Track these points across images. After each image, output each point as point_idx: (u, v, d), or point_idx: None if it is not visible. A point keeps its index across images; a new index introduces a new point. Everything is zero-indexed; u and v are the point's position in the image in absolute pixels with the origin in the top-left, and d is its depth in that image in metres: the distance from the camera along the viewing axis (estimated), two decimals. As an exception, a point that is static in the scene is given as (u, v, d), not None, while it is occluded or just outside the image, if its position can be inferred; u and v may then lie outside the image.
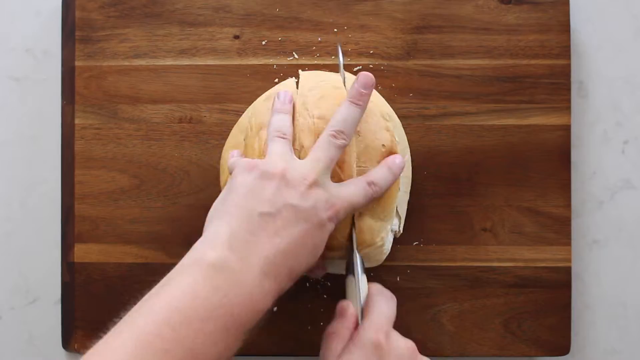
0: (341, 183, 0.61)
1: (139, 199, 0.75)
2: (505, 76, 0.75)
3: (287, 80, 0.71)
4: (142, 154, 0.76)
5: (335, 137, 0.60)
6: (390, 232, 0.66)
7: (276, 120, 0.62)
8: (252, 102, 0.75)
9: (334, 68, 0.75)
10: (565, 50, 0.75)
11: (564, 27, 0.75)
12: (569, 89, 0.75)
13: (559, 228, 0.74)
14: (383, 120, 0.66)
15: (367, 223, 0.64)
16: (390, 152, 0.65)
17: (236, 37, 0.76)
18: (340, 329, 0.59)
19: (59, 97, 0.77)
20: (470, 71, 0.74)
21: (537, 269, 0.74)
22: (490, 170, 0.75)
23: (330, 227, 0.58)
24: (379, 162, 0.64)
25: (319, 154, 0.59)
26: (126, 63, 0.76)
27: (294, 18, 0.76)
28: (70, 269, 0.75)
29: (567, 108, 0.75)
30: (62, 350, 0.76)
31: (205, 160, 0.75)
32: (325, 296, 0.74)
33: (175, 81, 0.75)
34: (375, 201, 0.64)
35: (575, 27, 0.77)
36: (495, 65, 0.75)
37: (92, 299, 0.74)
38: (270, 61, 0.75)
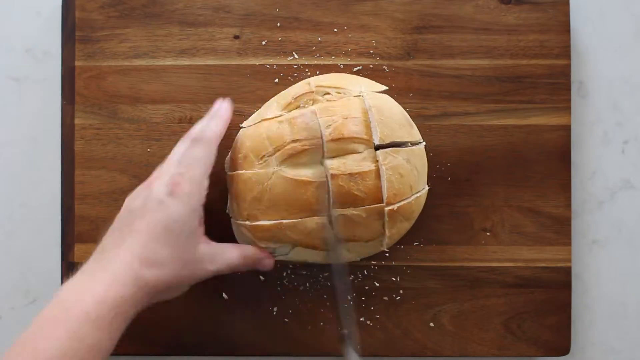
0: None
1: (139, 199, 0.74)
2: (505, 76, 0.74)
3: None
4: (142, 154, 0.75)
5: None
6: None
7: (202, 123, 0.66)
8: (252, 102, 0.74)
9: (333, 68, 0.74)
10: (565, 50, 0.74)
11: (564, 27, 0.74)
12: (569, 89, 0.74)
13: (559, 228, 0.74)
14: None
15: (404, 226, 0.67)
16: (408, 123, 0.68)
17: (236, 37, 0.75)
18: None
19: (59, 97, 0.76)
20: (471, 71, 0.74)
21: (537, 269, 0.73)
22: (490, 170, 0.74)
23: (177, 201, 0.60)
24: (400, 135, 0.66)
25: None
26: (126, 63, 0.75)
27: (294, 18, 0.75)
28: (70, 268, 0.74)
29: (567, 108, 0.74)
30: (62, 350, 0.76)
31: (205, 160, 0.74)
32: (325, 296, 0.74)
33: (175, 81, 0.74)
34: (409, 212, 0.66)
35: (575, 27, 0.76)
36: (495, 65, 0.74)
37: (92, 299, 0.73)
38: (270, 61, 0.75)
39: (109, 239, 0.61)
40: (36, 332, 0.54)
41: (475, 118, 0.73)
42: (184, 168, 0.62)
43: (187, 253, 0.61)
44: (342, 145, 0.65)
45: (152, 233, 0.59)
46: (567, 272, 0.73)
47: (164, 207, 0.60)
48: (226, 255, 0.64)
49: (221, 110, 0.66)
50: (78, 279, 0.58)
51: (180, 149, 0.63)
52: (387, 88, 0.71)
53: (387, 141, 0.65)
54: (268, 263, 0.67)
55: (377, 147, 0.65)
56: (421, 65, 0.74)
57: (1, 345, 0.76)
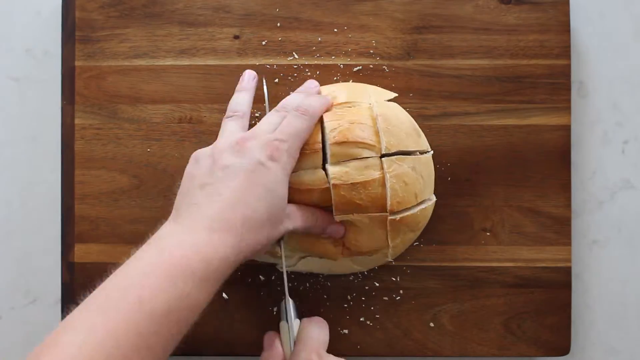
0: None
1: (139, 199, 0.74)
2: (505, 76, 0.74)
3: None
4: (142, 154, 0.74)
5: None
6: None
7: (233, 99, 0.67)
8: (255, 103, 0.74)
9: (333, 68, 0.74)
10: (565, 51, 0.74)
11: (564, 27, 0.74)
12: (569, 89, 0.74)
13: (559, 228, 0.73)
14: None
15: (409, 237, 0.68)
16: (415, 130, 0.69)
17: (236, 37, 0.75)
18: (268, 357, 0.62)
19: (59, 97, 0.76)
20: (471, 71, 0.73)
21: (537, 269, 0.73)
22: (490, 170, 0.74)
23: (277, 165, 0.59)
24: (406, 145, 0.66)
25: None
26: (126, 63, 0.74)
27: (294, 18, 0.74)
28: (70, 269, 0.74)
29: (567, 108, 0.73)
30: (62, 350, 0.75)
31: (205, 160, 0.74)
32: (325, 296, 0.73)
33: (175, 81, 0.74)
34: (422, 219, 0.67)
35: (576, 27, 0.75)
36: (495, 65, 0.74)
37: (92, 299, 0.73)
38: (270, 61, 0.74)
39: (194, 196, 0.58)
40: (140, 278, 0.53)
41: (475, 118, 0.73)
42: (284, 136, 0.61)
43: (280, 214, 0.60)
44: (346, 150, 0.64)
45: (254, 193, 0.58)
46: (567, 272, 0.73)
47: (265, 169, 0.59)
48: (301, 212, 0.63)
49: (313, 86, 0.69)
50: (177, 231, 0.57)
51: (275, 119, 0.63)
52: (396, 95, 0.71)
53: (393, 150, 0.64)
54: (339, 229, 0.65)
55: (383, 156, 0.65)
56: (421, 65, 0.74)
57: (1, 344, 0.76)
